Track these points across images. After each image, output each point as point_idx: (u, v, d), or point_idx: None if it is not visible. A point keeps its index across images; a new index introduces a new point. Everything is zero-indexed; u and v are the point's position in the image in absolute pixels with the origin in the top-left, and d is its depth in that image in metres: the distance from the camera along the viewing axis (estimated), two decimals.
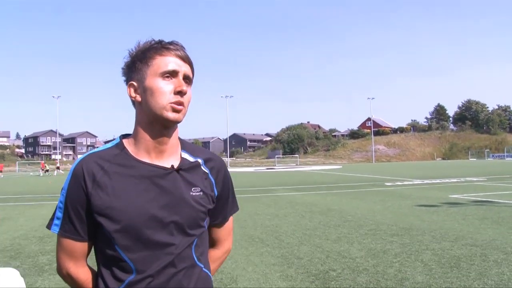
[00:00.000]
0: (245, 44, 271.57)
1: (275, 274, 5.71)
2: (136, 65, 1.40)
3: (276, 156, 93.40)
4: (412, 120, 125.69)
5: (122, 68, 1.45)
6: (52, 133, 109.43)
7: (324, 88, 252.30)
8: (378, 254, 6.67)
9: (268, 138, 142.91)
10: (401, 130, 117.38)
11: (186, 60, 1.41)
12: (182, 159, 1.47)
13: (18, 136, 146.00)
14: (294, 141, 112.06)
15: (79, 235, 1.41)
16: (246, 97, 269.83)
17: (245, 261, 6.48)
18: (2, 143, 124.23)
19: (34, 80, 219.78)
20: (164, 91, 1.35)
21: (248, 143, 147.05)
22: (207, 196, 1.47)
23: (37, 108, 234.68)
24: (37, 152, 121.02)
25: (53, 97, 77.10)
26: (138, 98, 1.40)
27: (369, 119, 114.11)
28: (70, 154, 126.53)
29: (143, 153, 1.42)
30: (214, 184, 1.52)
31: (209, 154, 1.56)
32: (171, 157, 1.45)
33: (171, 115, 1.36)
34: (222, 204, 1.59)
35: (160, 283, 1.36)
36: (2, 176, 41.23)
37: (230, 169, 62.87)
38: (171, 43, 1.42)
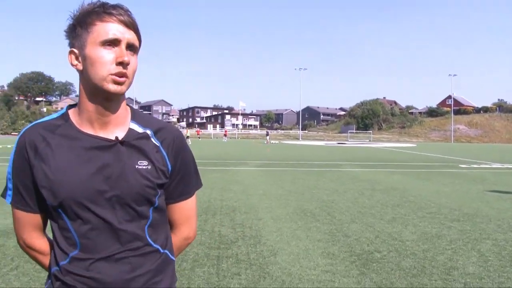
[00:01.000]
0: (320, 16, 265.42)
1: (317, 250, 5.56)
2: (76, 31, 1.29)
3: (349, 131, 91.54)
4: (498, 100, 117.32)
5: (64, 31, 1.34)
6: (129, 100, 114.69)
7: (402, 63, 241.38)
8: (432, 239, 6.28)
9: (342, 113, 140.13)
10: (485, 109, 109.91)
11: (131, 26, 1.29)
12: (130, 130, 1.38)
13: None
14: (368, 117, 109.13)
15: (29, 207, 1.37)
16: (321, 70, 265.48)
17: (291, 235, 6.38)
18: None
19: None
20: (104, 61, 1.25)
21: (321, 116, 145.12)
22: (156, 170, 1.37)
23: None
24: None
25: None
26: (79, 66, 1.30)
27: (449, 97, 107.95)
28: None
29: (86, 124, 1.34)
30: (166, 157, 1.41)
31: (161, 125, 1.45)
32: (116, 128, 1.36)
33: (112, 87, 1.26)
34: (178, 180, 1.46)
35: (104, 260, 1.30)
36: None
37: (300, 142, 62.69)
38: (114, 6, 1.29)
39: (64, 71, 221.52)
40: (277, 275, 4.63)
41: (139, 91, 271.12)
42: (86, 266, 1.30)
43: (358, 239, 6.19)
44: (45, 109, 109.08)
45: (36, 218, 1.40)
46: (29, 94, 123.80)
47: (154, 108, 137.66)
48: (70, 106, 1.40)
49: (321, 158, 25.89)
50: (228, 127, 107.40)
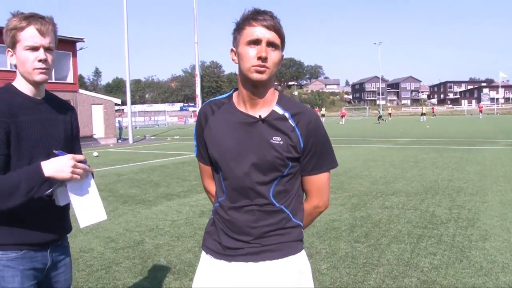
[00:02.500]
0: None
1: None
2: (235, 34, 1.68)
3: None
4: None
5: (232, 34, 1.72)
6: (376, 79, 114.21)
7: None
8: None
9: None
10: None
11: (272, 28, 1.60)
12: (272, 111, 1.70)
13: (347, 83, 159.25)
14: None
15: (204, 159, 1.86)
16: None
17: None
18: (332, 90, 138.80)
19: (358, 28, 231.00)
20: (249, 57, 1.60)
21: None
22: (287, 145, 1.66)
23: (363, 56, 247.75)
24: (363, 98, 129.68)
25: (375, 43, 79.89)
26: (236, 61, 1.69)
27: None
28: (394, 100, 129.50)
29: (241, 104, 1.73)
30: (299, 136, 1.68)
31: (300, 109, 1.72)
32: (262, 108, 1.70)
33: (255, 75, 1.61)
34: (310, 156, 1.72)
35: (237, 209, 1.69)
36: (343, 122, 46.42)
37: None
38: (261, 13, 1.62)
39: (312, 55, 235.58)
40: (477, 260, 4.31)
41: (386, 68, 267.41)
42: (225, 210, 1.72)
43: None
44: (296, 93, 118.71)
45: (209, 169, 1.87)
46: (282, 79, 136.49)
47: (402, 85, 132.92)
48: (235, 90, 1.80)
49: None
50: (485, 102, 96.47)
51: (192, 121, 70.62)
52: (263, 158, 1.64)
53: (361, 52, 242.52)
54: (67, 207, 1.86)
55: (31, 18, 1.75)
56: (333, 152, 1.79)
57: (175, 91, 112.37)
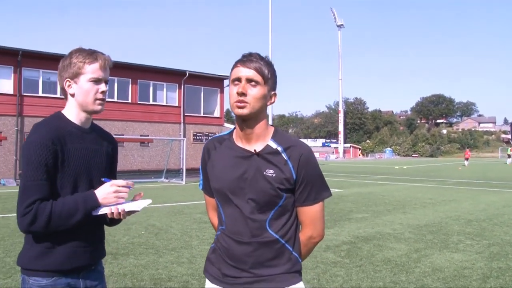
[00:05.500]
0: None
1: None
2: (230, 75, 1.86)
3: None
4: None
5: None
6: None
7: None
8: None
9: None
10: None
11: (251, 67, 1.75)
12: (267, 145, 1.82)
13: (505, 122, 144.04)
14: None
15: (208, 192, 1.99)
16: None
17: None
18: (487, 129, 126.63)
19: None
20: (231, 94, 1.78)
21: None
22: (280, 178, 1.76)
23: None
24: None
25: None
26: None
27: None
28: None
29: (238, 139, 1.86)
30: (292, 169, 1.78)
31: (292, 143, 1.83)
32: (257, 143, 1.83)
33: (235, 111, 1.76)
34: (304, 187, 1.81)
35: (235, 238, 1.79)
36: (466, 164, 41.17)
37: None
38: (246, 55, 1.80)
39: (465, 91, 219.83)
40: None
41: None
42: (225, 239, 1.83)
43: None
44: (445, 131, 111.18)
45: (213, 201, 1.96)
46: (430, 117, 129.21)
47: None
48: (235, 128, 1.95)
49: None
50: None
51: (334, 157, 70.48)
52: (258, 190, 1.76)
53: None
54: (101, 231, 2.02)
55: (97, 54, 1.91)
56: (325, 183, 1.88)
57: (318, 127, 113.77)
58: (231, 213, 1.82)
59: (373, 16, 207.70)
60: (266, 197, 1.77)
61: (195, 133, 27.51)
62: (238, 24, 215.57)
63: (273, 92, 1.85)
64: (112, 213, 1.84)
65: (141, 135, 25.07)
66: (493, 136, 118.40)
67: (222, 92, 28.92)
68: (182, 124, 26.96)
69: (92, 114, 1.95)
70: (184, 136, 26.11)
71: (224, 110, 31.42)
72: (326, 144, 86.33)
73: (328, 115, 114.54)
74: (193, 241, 7.19)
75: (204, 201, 2.09)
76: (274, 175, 1.77)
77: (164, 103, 26.52)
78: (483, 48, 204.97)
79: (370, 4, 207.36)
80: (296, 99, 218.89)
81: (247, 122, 1.80)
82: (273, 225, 1.79)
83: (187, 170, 22.08)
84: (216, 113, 28.92)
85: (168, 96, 26.88)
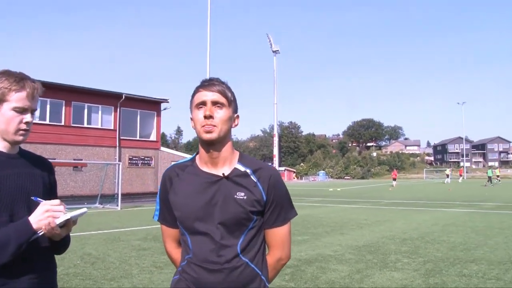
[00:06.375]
0: None
1: None
2: (190, 105, 1.83)
3: None
4: None
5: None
6: (459, 140, 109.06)
7: None
8: None
9: None
10: None
11: (215, 90, 1.75)
12: (235, 169, 1.80)
13: (428, 144, 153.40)
14: None
15: (168, 222, 1.90)
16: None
17: None
18: (413, 151, 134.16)
19: (439, 88, 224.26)
20: (198, 118, 1.75)
21: None
22: (251, 200, 1.74)
23: (445, 116, 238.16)
24: (445, 159, 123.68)
25: (458, 103, 77.11)
26: (192, 125, 1.81)
27: None
28: (480, 161, 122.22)
29: (203, 164, 1.82)
30: (262, 191, 1.77)
31: (260, 165, 1.83)
32: (224, 166, 1.80)
33: (203, 135, 1.73)
34: (272, 209, 1.81)
35: (205, 267, 1.72)
36: (394, 184, 42.85)
37: None
38: (207, 80, 1.80)
39: (392, 115, 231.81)
40: None
41: (471, 129, 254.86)
42: (193, 268, 1.75)
43: None
44: (375, 154, 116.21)
45: (174, 231, 1.90)
46: (360, 140, 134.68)
47: (489, 146, 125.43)
48: (197, 153, 1.89)
49: None
50: None
51: None
52: (228, 214, 1.72)
53: (443, 112, 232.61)
54: (49, 262, 1.86)
55: (25, 81, 1.77)
56: (291, 203, 1.89)
57: (253, 150, 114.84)
58: (200, 240, 1.75)
59: (307, 43, 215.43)
60: (237, 221, 1.74)
61: (131, 157, 26.80)
62: (175, 48, 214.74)
63: (236, 115, 1.85)
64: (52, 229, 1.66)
65: (74, 159, 24.05)
66: (418, 158, 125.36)
67: (158, 115, 28.53)
68: (117, 147, 26.20)
69: (13, 145, 1.82)
70: (120, 160, 25.33)
71: (161, 133, 30.89)
72: None
73: (263, 139, 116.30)
74: (133, 269, 6.90)
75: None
76: (245, 197, 1.74)
77: (99, 126, 25.67)
78: (410, 75, 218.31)
79: (304, 31, 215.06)
80: None
81: (214, 146, 1.78)
82: (244, 249, 1.75)
83: (122, 195, 21.40)
84: (153, 137, 28.40)
85: (103, 119, 26.09)
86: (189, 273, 1.77)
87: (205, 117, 1.72)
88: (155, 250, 8.68)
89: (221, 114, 1.75)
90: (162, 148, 29.05)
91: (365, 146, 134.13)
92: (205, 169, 1.82)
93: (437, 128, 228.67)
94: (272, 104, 33.41)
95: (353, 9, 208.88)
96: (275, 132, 34.90)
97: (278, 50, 35.81)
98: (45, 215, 1.65)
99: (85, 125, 25.13)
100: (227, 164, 1.81)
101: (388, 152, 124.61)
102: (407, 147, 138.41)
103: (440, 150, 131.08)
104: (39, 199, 1.73)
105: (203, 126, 1.73)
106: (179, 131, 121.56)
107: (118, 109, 26.34)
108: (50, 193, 1.90)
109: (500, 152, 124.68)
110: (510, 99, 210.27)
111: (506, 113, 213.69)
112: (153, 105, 28.28)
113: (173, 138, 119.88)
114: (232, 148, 1.85)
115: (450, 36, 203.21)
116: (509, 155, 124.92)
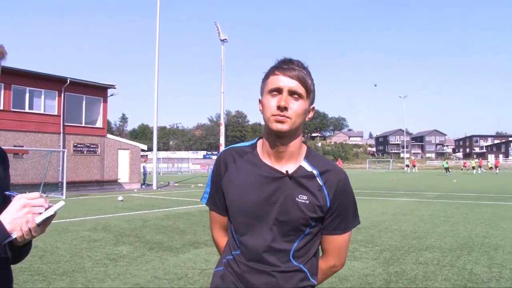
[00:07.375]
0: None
1: None
2: (261, 84, 1.64)
3: None
4: None
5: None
6: (400, 132, 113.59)
7: None
8: None
9: None
10: None
11: (295, 77, 1.54)
12: (300, 167, 1.61)
13: (370, 136, 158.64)
14: None
15: (218, 209, 1.74)
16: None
17: None
18: (356, 142, 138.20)
19: (383, 81, 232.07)
20: (269, 106, 1.55)
21: None
22: (313, 205, 1.57)
23: (387, 109, 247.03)
24: (386, 150, 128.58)
25: (400, 97, 79.93)
26: (261, 111, 1.62)
27: None
28: (418, 153, 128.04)
29: (266, 155, 1.64)
30: (327, 196, 1.60)
31: (329, 167, 1.64)
32: (289, 163, 1.61)
33: (274, 125, 1.53)
34: (335, 216, 1.64)
35: (254, 268, 1.58)
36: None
37: None
38: (286, 62, 1.58)
39: (336, 106, 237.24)
40: None
41: (411, 121, 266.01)
42: (240, 266, 1.61)
43: None
44: (319, 144, 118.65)
45: (222, 218, 1.74)
46: (306, 130, 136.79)
47: (427, 138, 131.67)
48: (259, 138, 1.71)
49: None
50: None
51: None
52: (286, 217, 1.56)
53: (385, 105, 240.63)
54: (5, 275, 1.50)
55: None
56: (357, 211, 1.72)
57: (199, 139, 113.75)
58: (250, 239, 1.60)
59: (255, 32, 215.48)
60: (294, 225, 1.57)
61: (76, 144, 25.62)
62: (123, 36, 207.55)
63: (312, 106, 1.64)
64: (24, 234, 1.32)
65: (14, 146, 22.62)
66: (361, 149, 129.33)
67: (105, 101, 27.45)
68: (61, 134, 24.93)
69: None
70: (64, 147, 24.21)
71: (107, 120, 29.81)
72: (208, 156, 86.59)
73: (209, 128, 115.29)
74: (85, 263, 6.56)
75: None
76: (307, 201, 1.57)
77: (42, 112, 24.32)
78: (355, 68, 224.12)
79: (252, 20, 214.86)
80: (177, 111, 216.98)
81: (282, 138, 1.58)
82: (297, 253, 1.60)
83: (67, 183, 20.51)
84: (99, 124, 27.32)
85: (46, 104, 24.68)
86: (235, 270, 1.63)
87: (279, 107, 1.52)
88: (107, 241, 8.36)
89: (296, 106, 1.55)
90: (109, 135, 28.03)
91: (310, 136, 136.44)
92: (267, 161, 1.63)
93: (380, 120, 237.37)
94: (219, 93, 32.87)
95: (298, 1, 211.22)
96: (222, 121, 34.51)
97: (226, 39, 35.32)
98: (22, 212, 1.32)
99: (27, 110, 23.69)
100: (292, 160, 1.63)
101: (333, 143, 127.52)
102: (351, 138, 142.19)
103: (382, 141, 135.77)
104: (13, 192, 1.42)
105: (274, 115, 1.53)
106: (124, 119, 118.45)
107: (62, 94, 25.03)
108: (6, 185, 1.57)
109: (436, 144, 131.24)
110: (446, 95, 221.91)
111: (442, 108, 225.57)
112: (100, 90, 27.16)
113: (117, 125, 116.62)
114: (301, 142, 1.65)
115: (392, 31, 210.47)
116: (444, 147, 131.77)
